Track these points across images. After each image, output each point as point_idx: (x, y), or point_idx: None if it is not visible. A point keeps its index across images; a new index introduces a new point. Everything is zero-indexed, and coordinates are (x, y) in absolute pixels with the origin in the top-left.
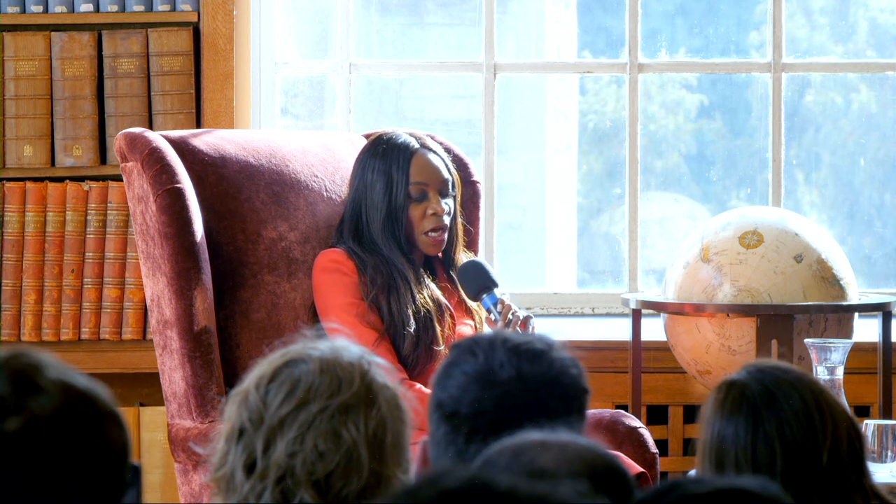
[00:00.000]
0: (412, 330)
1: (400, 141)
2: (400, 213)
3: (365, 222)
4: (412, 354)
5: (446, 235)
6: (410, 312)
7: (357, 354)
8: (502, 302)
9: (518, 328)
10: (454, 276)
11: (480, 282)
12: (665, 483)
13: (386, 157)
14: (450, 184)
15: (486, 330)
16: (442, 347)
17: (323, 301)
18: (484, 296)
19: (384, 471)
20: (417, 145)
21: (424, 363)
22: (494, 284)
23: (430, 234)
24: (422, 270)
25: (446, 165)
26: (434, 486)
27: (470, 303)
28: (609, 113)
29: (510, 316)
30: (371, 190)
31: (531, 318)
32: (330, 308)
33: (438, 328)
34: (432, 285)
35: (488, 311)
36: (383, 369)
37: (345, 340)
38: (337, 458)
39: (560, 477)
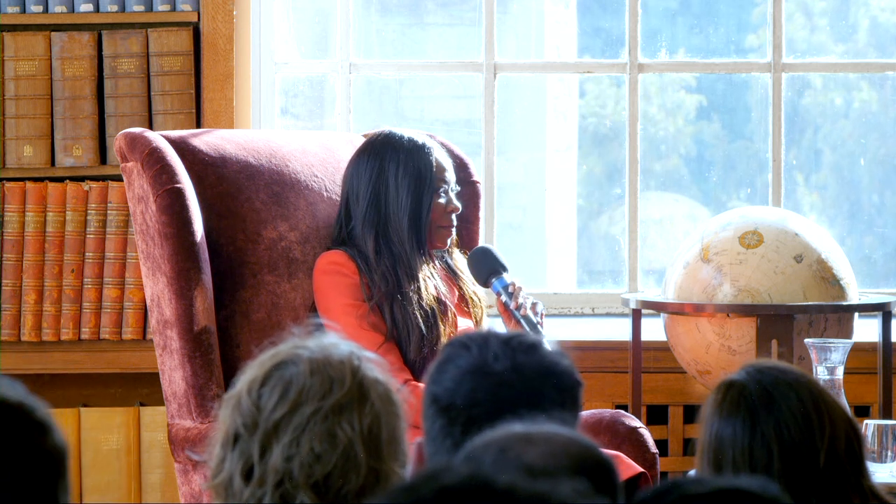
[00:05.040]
0: (422, 334)
1: (419, 139)
2: (426, 209)
3: (384, 217)
4: (419, 356)
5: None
6: (419, 315)
7: (347, 351)
8: (513, 285)
9: (529, 312)
10: (454, 268)
11: (490, 266)
12: (665, 483)
13: (412, 154)
14: (454, 181)
15: (486, 325)
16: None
17: (325, 303)
18: (493, 280)
19: (382, 467)
20: (432, 144)
21: (430, 363)
22: (504, 269)
23: (446, 228)
24: (431, 263)
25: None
26: (433, 483)
27: (470, 295)
28: (609, 115)
29: (521, 298)
30: (399, 185)
31: (539, 303)
32: (331, 310)
33: (442, 327)
34: (438, 279)
35: (498, 294)
36: (374, 363)
37: (334, 337)
38: (334, 458)
39: (547, 472)
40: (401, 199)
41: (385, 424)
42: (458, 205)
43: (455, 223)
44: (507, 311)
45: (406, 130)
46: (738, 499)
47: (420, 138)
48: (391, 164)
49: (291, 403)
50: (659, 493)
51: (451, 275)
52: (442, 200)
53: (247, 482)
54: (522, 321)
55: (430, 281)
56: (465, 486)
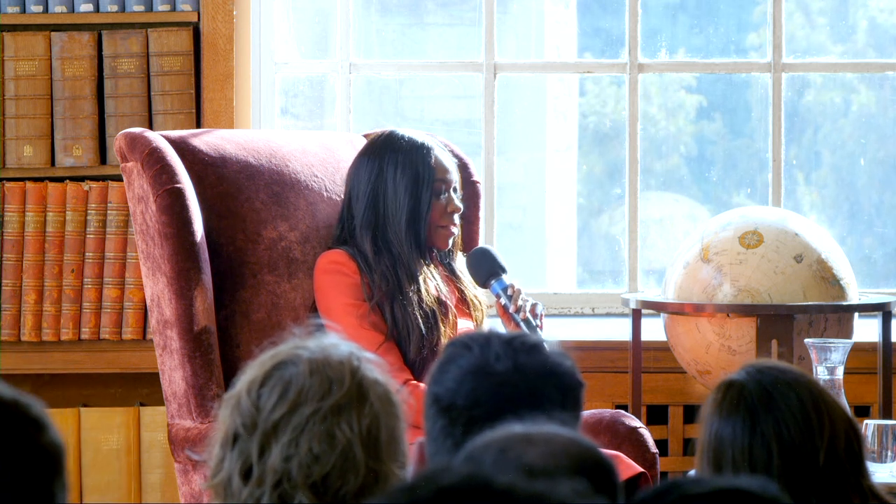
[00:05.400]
0: (421, 333)
1: (419, 139)
2: (425, 209)
3: (382, 217)
4: (419, 356)
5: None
6: (418, 315)
7: (346, 352)
8: (512, 287)
9: (529, 314)
10: (454, 269)
11: (489, 268)
12: (665, 483)
13: (410, 153)
14: (456, 182)
15: (486, 326)
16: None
17: (325, 303)
18: (493, 281)
19: (380, 467)
20: (433, 144)
21: (430, 364)
22: (503, 270)
23: (447, 227)
24: (432, 264)
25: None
26: (431, 484)
27: (471, 297)
28: (609, 114)
29: (520, 301)
30: (397, 185)
31: (539, 304)
32: (332, 310)
33: (442, 328)
34: (439, 280)
35: (497, 296)
36: (374, 364)
37: (334, 337)
38: (332, 458)
39: (547, 472)
40: (399, 200)
41: (384, 425)
42: (460, 205)
43: (457, 223)
44: (506, 314)
45: (409, 131)
46: (738, 499)
47: (420, 138)
48: (390, 165)
49: (290, 404)
50: (659, 493)
51: (453, 277)
52: (442, 200)
53: (245, 482)
54: (522, 325)
55: (431, 282)
56: (463, 486)
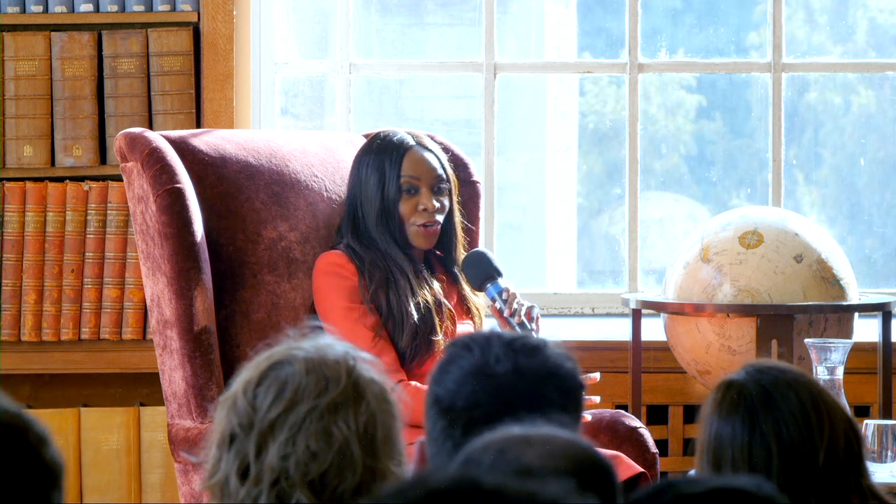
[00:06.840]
0: (414, 320)
1: (396, 138)
2: (392, 207)
3: (361, 217)
4: (411, 345)
5: (438, 229)
6: (411, 303)
7: (342, 351)
8: (507, 291)
9: (524, 317)
10: (456, 273)
11: (485, 271)
12: (660, 483)
13: (381, 153)
14: (443, 180)
15: (488, 325)
16: (440, 337)
17: (323, 304)
18: (488, 285)
19: (378, 465)
20: (412, 142)
21: (424, 355)
22: (499, 274)
23: (423, 226)
24: (421, 266)
25: (440, 163)
26: (421, 486)
27: (471, 301)
28: (609, 114)
29: (515, 305)
30: (366, 185)
31: (535, 307)
32: (330, 311)
33: (437, 319)
34: (432, 280)
35: (493, 300)
36: (369, 363)
37: (329, 338)
38: (330, 456)
39: (545, 473)
40: (371, 200)
41: (380, 423)
42: (434, 203)
43: (435, 221)
44: (501, 318)
45: (397, 131)
46: (734, 498)
47: (398, 138)
48: (363, 167)
49: (287, 402)
50: (654, 493)
51: (452, 279)
52: (412, 199)
53: (243, 482)
54: (517, 329)
55: (422, 278)
56: (453, 487)
